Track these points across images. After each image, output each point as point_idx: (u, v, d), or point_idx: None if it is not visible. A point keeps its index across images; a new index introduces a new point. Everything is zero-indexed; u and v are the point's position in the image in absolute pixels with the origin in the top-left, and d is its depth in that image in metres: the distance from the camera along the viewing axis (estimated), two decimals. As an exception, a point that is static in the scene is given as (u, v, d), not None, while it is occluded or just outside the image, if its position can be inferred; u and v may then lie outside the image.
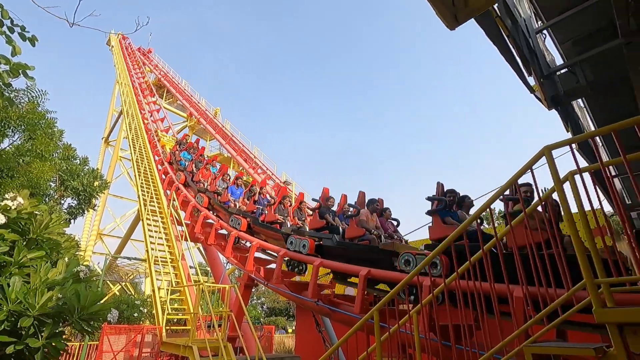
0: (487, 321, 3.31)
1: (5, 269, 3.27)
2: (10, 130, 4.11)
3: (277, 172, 22.43)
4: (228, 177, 11.61)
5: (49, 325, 3.15)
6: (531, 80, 4.67)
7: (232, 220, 9.48)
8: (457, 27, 3.02)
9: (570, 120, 5.52)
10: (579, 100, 6.35)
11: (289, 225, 8.35)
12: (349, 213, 6.77)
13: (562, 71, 4.77)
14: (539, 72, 4.43)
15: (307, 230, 7.67)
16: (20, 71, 2.75)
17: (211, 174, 12.35)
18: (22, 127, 4.19)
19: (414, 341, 3.20)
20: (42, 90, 4.34)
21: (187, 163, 13.80)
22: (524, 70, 4.40)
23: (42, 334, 3.09)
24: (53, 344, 3.14)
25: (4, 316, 2.96)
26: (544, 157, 2.54)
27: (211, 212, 10.63)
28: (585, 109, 6.60)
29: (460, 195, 5.77)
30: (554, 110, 5.18)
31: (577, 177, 2.45)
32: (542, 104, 4.77)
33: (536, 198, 2.69)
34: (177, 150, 15.34)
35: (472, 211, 5.16)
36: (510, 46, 3.95)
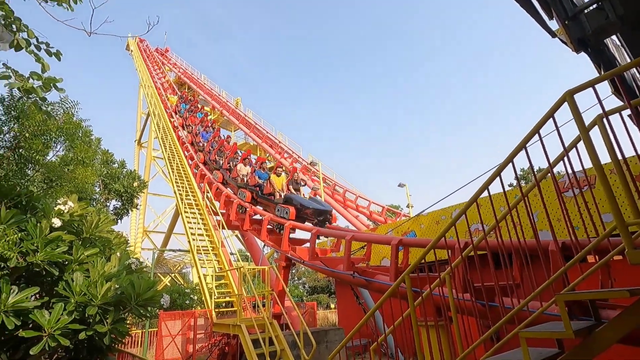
0: (524, 278, 3.30)
1: (67, 267, 3.64)
2: (53, 142, 4.47)
3: (303, 154, 22.67)
4: (207, 123, 18.12)
5: (111, 312, 3.50)
6: (553, 25, 4.33)
7: (278, 210, 9.51)
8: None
9: (604, 62, 5.09)
10: (614, 38, 5.82)
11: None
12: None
13: (589, 9, 4.38)
14: (562, 13, 4.11)
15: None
16: (51, 84, 2.95)
17: (197, 119, 18.46)
18: (62, 137, 4.54)
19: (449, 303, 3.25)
20: (74, 101, 4.65)
21: (184, 112, 20.18)
22: (543, 15, 4.09)
23: (107, 320, 3.45)
24: (118, 328, 3.51)
25: (72, 307, 3.34)
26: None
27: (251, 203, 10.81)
28: (622, 47, 6.05)
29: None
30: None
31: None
32: (568, 47, 4.44)
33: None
34: (179, 102, 22.08)
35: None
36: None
